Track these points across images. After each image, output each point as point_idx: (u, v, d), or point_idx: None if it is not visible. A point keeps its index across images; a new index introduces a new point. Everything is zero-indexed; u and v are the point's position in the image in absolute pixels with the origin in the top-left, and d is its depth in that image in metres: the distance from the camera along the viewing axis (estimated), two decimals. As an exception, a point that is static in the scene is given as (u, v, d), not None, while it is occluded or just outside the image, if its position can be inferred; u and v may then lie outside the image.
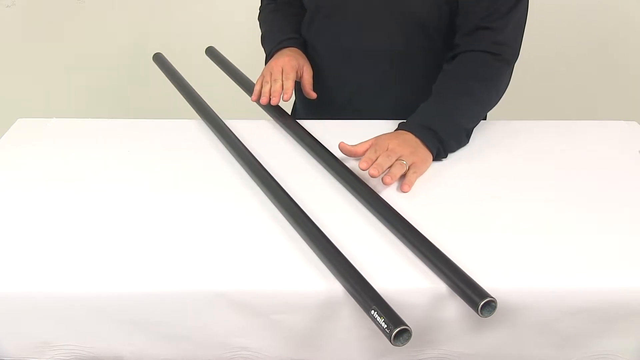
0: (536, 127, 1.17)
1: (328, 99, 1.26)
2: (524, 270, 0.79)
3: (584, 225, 0.88)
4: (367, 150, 0.99)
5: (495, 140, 1.12)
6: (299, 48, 1.24)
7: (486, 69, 1.11)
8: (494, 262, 0.80)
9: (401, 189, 0.96)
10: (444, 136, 1.03)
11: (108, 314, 0.78)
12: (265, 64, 1.27)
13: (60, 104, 2.25)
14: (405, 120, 1.07)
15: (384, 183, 0.94)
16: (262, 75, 1.19)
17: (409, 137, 1.02)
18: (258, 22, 1.36)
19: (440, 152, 1.04)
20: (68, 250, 0.82)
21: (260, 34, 1.33)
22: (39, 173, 1.01)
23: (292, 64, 1.17)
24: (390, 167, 0.96)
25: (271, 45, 1.25)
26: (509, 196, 0.95)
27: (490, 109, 1.14)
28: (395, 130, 1.06)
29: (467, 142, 1.09)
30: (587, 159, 1.05)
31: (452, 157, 1.06)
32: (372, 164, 0.95)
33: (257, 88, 1.17)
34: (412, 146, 1.01)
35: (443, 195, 0.95)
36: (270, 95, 1.13)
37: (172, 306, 0.77)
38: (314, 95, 1.19)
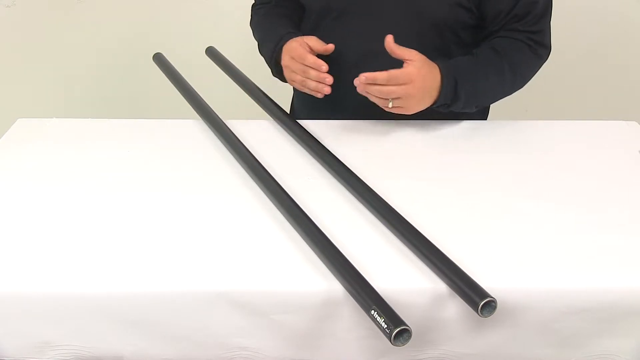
0: (536, 127, 1.17)
1: (339, 101, 1.24)
2: (524, 270, 0.79)
3: (584, 225, 0.88)
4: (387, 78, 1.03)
5: (496, 140, 1.12)
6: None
7: (521, 56, 1.15)
8: (494, 262, 0.80)
9: (358, 79, 1.02)
10: (460, 96, 1.08)
11: (108, 314, 0.78)
12: (271, 67, 1.25)
13: (60, 104, 2.24)
14: (444, 64, 1.08)
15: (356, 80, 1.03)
16: (293, 81, 1.17)
17: (437, 77, 1.06)
18: (251, 28, 1.35)
19: (442, 106, 1.08)
20: (68, 250, 0.82)
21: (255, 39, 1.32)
22: (39, 173, 1.01)
23: (294, 46, 1.14)
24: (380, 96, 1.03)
25: (271, 49, 1.21)
26: (509, 196, 0.95)
27: (509, 94, 1.17)
28: (435, 62, 1.07)
29: (474, 110, 1.14)
30: (587, 159, 1.05)
31: (452, 156, 1.06)
32: (368, 84, 1.02)
33: (309, 86, 1.14)
34: (429, 89, 1.05)
35: (443, 195, 0.95)
36: (322, 84, 1.12)
37: (172, 306, 0.77)
38: (331, 47, 1.15)
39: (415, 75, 1.03)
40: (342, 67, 1.22)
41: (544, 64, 1.19)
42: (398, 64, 1.18)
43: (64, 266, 0.80)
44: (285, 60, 1.17)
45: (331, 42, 1.21)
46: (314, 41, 1.15)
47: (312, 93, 1.15)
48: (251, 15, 1.36)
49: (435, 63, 1.07)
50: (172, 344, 0.80)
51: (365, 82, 1.02)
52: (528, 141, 1.12)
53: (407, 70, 1.03)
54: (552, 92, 2.14)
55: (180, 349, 0.81)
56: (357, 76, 1.21)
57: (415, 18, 1.14)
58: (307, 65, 1.12)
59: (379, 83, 1.02)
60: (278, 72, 1.22)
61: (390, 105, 1.04)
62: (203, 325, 0.79)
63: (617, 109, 2.14)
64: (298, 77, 1.14)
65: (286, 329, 0.79)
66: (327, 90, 1.12)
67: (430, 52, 1.17)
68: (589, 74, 2.18)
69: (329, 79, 1.11)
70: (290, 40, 1.17)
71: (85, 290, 0.77)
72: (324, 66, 1.11)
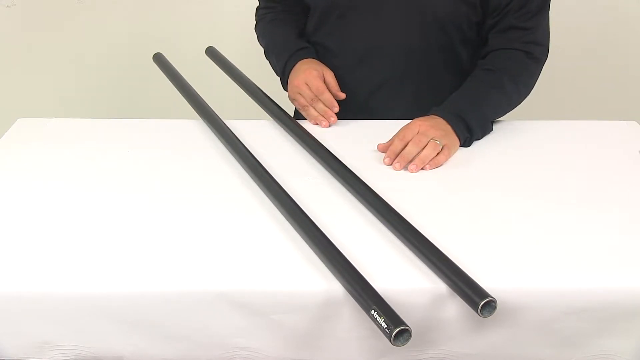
0: (536, 127, 1.17)
1: (344, 100, 1.25)
2: (524, 270, 0.79)
3: (584, 225, 0.88)
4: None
5: (496, 140, 1.12)
6: (312, 56, 1.23)
7: (518, 65, 1.15)
8: (494, 262, 0.80)
9: (425, 167, 1.01)
10: (473, 125, 1.08)
11: (108, 314, 0.78)
12: (280, 78, 1.27)
13: (61, 104, 2.25)
14: (437, 107, 1.10)
15: (410, 171, 1.00)
16: (296, 100, 1.20)
17: (440, 121, 1.06)
18: (255, 33, 1.35)
19: (467, 141, 1.08)
20: (68, 250, 0.82)
21: (259, 44, 1.32)
22: (39, 173, 1.01)
23: (313, 75, 1.17)
24: (421, 150, 1.01)
25: (283, 60, 1.24)
26: (509, 196, 0.95)
27: (518, 104, 1.17)
28: (428, 115, 1.08)
29: (492, 129, 1.14)
30: (587, 159, 1.05)
31: (452, 156, 1.06)
32: (395, 157, 1.01)
33: (310, 114, 1.17)
34: (443, 129, 1.04)
35: (443, 195, 0.95)
36: (324, 117, 1.16)
37: (172, 306, 0.77)
38: (342, 95, 1.19)
39: (416, 119, 1.05)
40: (345, 65, 1.23)
41: (545, 63, 1.19)
42: (401, 58, 1.19)
43: (64, 266, 0.80)
44: (297, 80, 1.19)
45: (335, 40, 1.22)
46: (330, 78, 1.18)
47: (308, 119, 1.18)
48: (256, 20, 1.36)
49: (433, 114, 1.08)
50: (172, 344, 0.80)
51: (393, 157, 1.02)
52: (528, 141, 1.12)
53: (406, 124, 1.05)
54: (552, 92, 2.14)
55: (180, 349, 0.81)
56: (360, 74, 1.23)
57: (418, 15, 1.14)
58: (313, 99, 1.16)
59: (399, 147, 1.02)
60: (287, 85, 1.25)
61: (441, 146, 1.02)
62: (203, 325, 0.79)
63: (617, 109, 2.14)
64: (303, 102, 1.18)
65: (286, 329, 0.79)
66: (324, 125, 1.16)
67: (435, 50, 1.17)
68: (589, 74, 2.18)
69: (334, 119, 1.16)
70: (310, 64, 1.19)
71: (85, 290, 0.77)
72: (336, 108, 1.16)
